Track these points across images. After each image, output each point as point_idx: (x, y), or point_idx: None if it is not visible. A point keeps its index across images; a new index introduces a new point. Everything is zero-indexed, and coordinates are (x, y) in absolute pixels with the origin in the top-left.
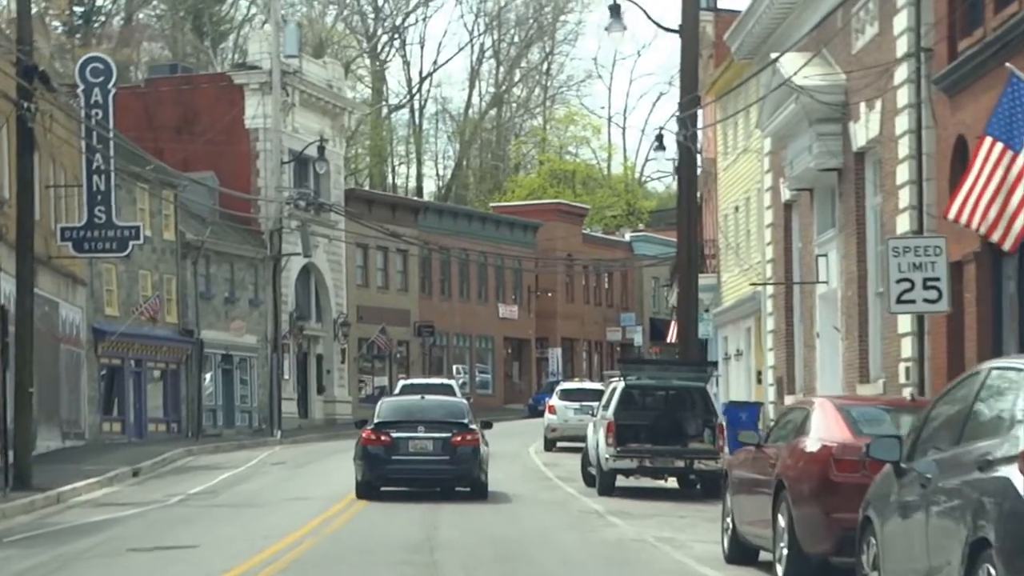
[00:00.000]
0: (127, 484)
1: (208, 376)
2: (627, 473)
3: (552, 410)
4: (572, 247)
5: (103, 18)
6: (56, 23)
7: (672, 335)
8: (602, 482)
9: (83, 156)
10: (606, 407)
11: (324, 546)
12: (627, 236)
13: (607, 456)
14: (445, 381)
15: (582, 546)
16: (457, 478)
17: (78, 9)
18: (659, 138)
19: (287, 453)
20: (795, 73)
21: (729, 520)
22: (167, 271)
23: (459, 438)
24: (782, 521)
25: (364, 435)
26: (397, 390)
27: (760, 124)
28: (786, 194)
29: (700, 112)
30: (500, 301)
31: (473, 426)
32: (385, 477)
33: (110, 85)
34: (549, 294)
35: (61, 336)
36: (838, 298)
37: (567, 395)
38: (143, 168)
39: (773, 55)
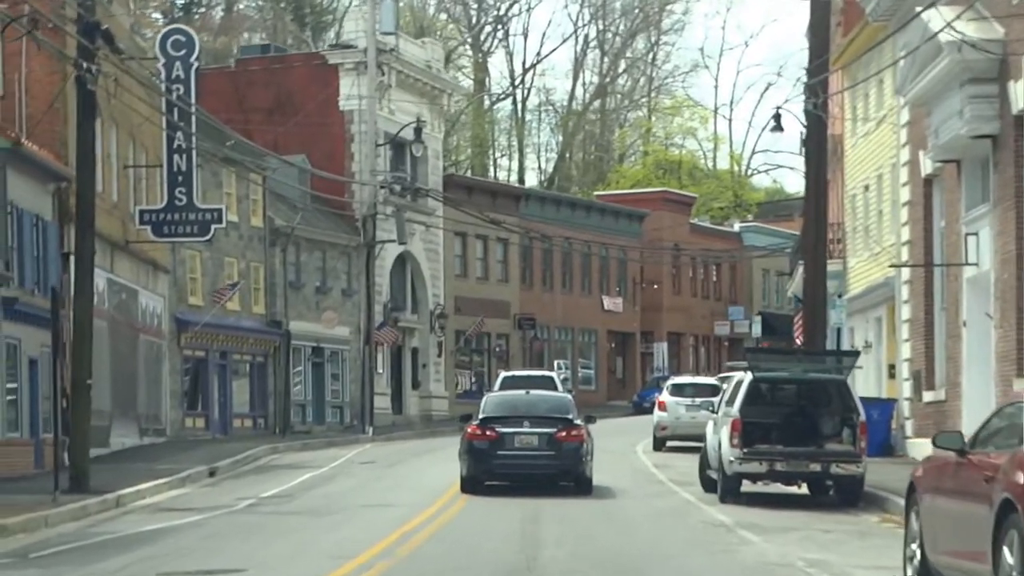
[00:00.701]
0: (200, 485)
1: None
2: (754, 478)
3: (662, 407)
4: (679, 237)
5: (203, 8)
6: (156, 14)
7: (797, 328)
8: (725, 487)
9: (163, 133)
10: (730, 402)
11: (398, 573)
12: (736, 227)
13: (731, 458)
14: (546, 373)
15: (716, 572)
16: (562, 473)
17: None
18: (776, 117)
19: (377, 451)
20: (945, 27)
21: (916, 547)
22: (254, 259)
23: (564, 433)
24: (1009, 556)
25: (470, 430)
26: (497, 383)
27: (900, 89)
28: (927, 167)
29: (828, 83)
30: (604, 293)
31: (578, 421)
32: (490, 472)
33: (192, 59)
34: (655, 286)
35: (140, 326)
36: (991, 281)
37: (678, 390)
38: (226, 146)
39: (918, 8)
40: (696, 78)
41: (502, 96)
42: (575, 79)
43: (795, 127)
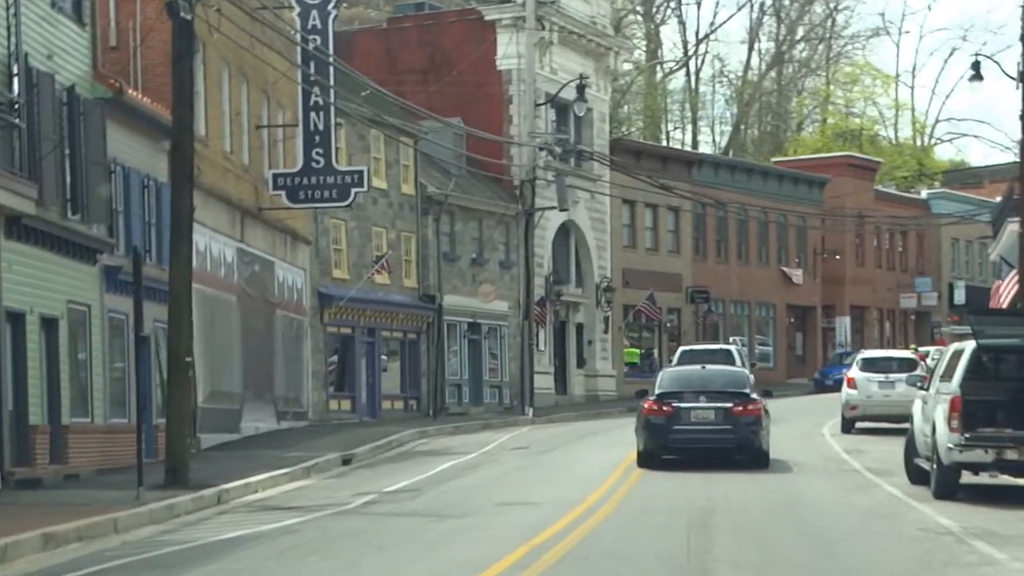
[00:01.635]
0: (327, 476)
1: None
2: (977, 468)
3: (851, 383)
4: (862, 204)
5: None
6: None
7: (1007, 292)
8: (940, 480)
9: (299, 89)
10: (946, 377)
11: None
12: (923, 193)
13: (949, 445)
14: (724, 347)
15: None
16: (738, 447)
17: None
18: (975, 66)
19: (534, 435)
20: None
21: None
22: (405, 228)
23: (740, 408)
24: None
25: (646, 405)
26: (675, 358)
27: None
28: None
29: None
30: (783, 264)
31: (754, 395)
32: (667, 447)
33: (330, 6)
34: (837, 256)
35: (278, 301)
36: None
37: (870, 365)
38: (361, 96)
39: None
40: (877, 44)
41: (675, 67)
42: (750, 48)
43: (988, 86)
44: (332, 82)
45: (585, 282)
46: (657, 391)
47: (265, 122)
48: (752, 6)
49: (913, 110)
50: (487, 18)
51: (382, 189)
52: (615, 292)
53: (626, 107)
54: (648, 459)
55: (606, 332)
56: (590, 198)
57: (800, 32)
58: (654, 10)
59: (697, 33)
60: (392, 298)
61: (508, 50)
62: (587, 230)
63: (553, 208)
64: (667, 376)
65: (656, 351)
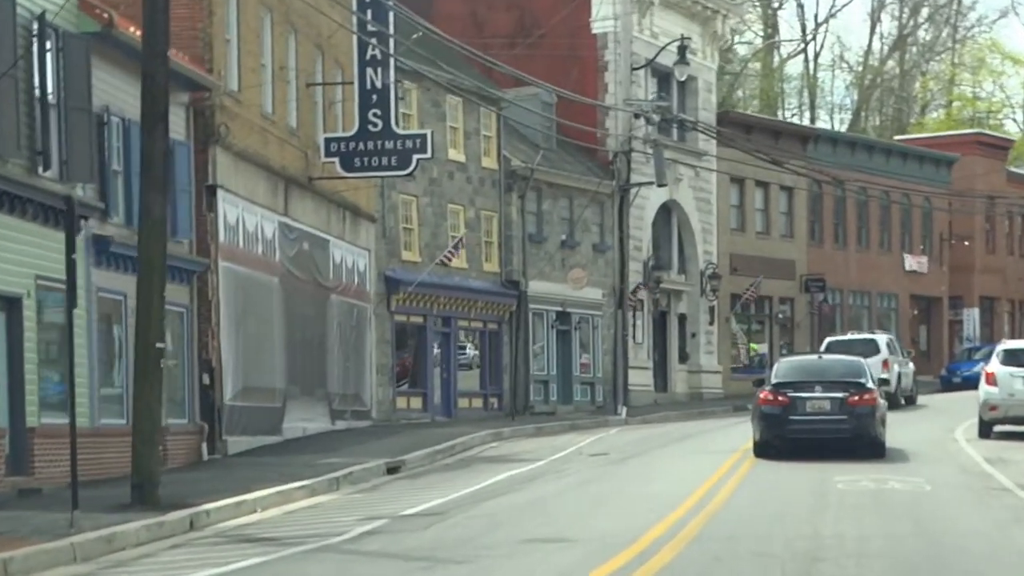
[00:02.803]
0: (356, 490)
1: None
2: None
3: (991, 379)
4: (994, 186)
5: None
6: None
7: None
8: None
9: (353, 40)
10: None
11: None
12: None
13: None
14: (871, 336)
15: None
16: (854, 437)
17: None
18: None
19: (622, 438)
20: None
21: None
22: (486, 206)
23: (856, 397)
24: None
25: (761, 395)
26: (823, 347)
27: None
28: None
29: None
30: (906, 251)
31: (871, 385)
32: (782, 437)
33: None
34: (965, 243)
35: (332, 284)
36: None
37: (1013, 358)
38: (413, 39)
39: None
40: (1005, 26)
41: (793, 52)
42: (871, 31)
43: None
44: (392, 30)
45: (688, 268)
46: (773, 381)
47: (318, 80)
48: None
49: None
50: None
51: (459, 162)
52: (721, 279)
53: (740, 91)
54: (763, 449)
55: (711, 323)
56: (694, 176)
57: (924, 14)
58: None
59: (816, 16)
60: (470, 283)
61: (603, 11)
62: (691, 211)
63: (651, 184)
64: (783, 366)
65: (767, 344)
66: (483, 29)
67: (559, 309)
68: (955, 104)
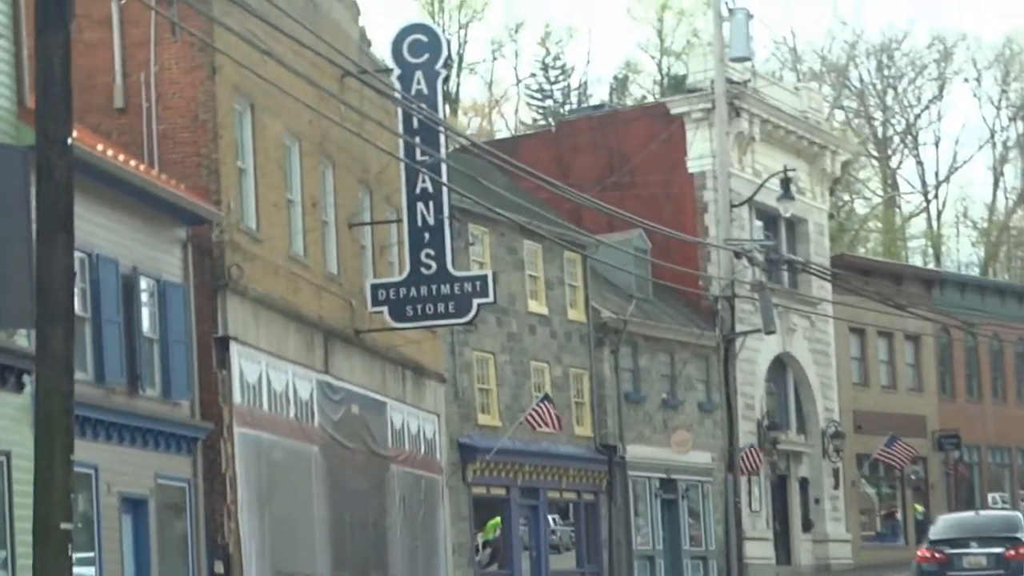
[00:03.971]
0: None
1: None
2: None
3: None
4: None
5: None
6: None
7: None
8: None
9: (400, 168)
10: None
11: None
12: None
13: None
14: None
15: None
16: None
17: None
18: None
19: None
20: None
21: None
22: (574, 363)
23: (1012, 552)
24: None
25: (920, 553)
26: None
27: None
28: None
29: None
30: None
31: None
32: None
33: (438, 65)
34: None
35: (391, 453)
36: None
37: None
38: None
39: None
40: None
41: (915, 211)
42: (995, 186)
43: None
44: (444, 153)
45: (808, 428)
46: (931, 538)
47: (365, 219)
48: (995, 144)
49: None
50: (673, 111)
51: (542, 315)
52: (845, 439)
53: (861, 249)
54: None
55: (836, 487)
56: (809, 326)
57: None
58: (889, 152)
59: (937, 173)
60: (560, 449)
61: (698, 148)
62: (807, 364)
63: (759, 332)
64: (942, 522)
65: (900, 509)
66: (569, 174)
67: (663, 476)
68: None
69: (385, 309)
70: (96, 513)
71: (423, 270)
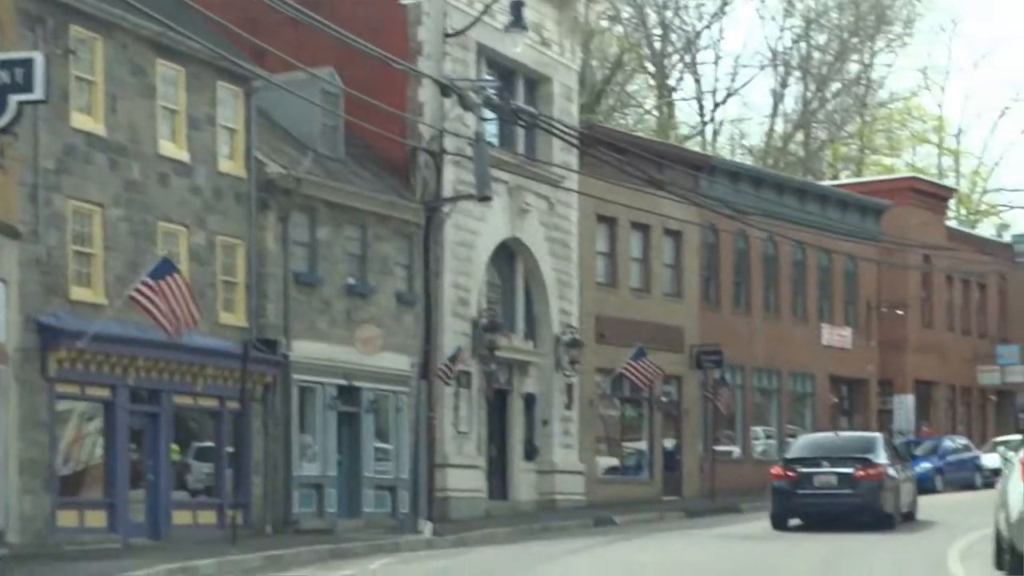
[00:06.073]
0: None
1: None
2: None
3: None
4: (930, 241)
5: None
6: None
7: None
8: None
9: None
10: None
11: None
12: (1007, 236)
13: None
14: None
15: None
16: (860, 510)
17: None
18: None
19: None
20: None
21: None
22: (226, 230)
23: (863, 472)
24: None
25: (773, 471)
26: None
27: None
28: None
29: None
30: (825, 321)
31: (879, 460)
32: (792, 510)
33: None
34: (899, 312)
35: None
36: None
37: None
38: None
39: None
40: (918, 105)
41: (692, 134)
42: (774, 112)
43: None
44: None
45: (539, 333)
46: (786, 456)
47: None
48: (776, 67)
49: (958, 175)
50: None
51: (180, 161)
52: (583, 349)
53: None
54: (778, 521)
55: (569, 408)
56: (547, 208)
57: (830, 91)
58: (667, 71)
59: (715, 97)
60: (197, 341)
61: None
62: (542, 255)
63: (471, 198)
64: (801, 441)
65: (647, 442)
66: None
67: (342, 383)
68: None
69: None
70: None
71: None
